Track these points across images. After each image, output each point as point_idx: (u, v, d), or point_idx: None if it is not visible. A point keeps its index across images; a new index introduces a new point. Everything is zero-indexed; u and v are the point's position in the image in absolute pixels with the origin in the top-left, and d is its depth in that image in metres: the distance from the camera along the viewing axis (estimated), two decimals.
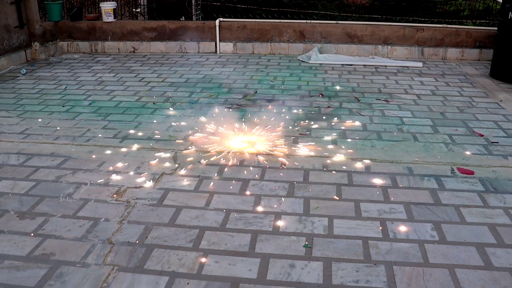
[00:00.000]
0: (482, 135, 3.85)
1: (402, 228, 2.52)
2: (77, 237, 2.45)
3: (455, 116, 4.35)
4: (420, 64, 6.45)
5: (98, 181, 3.06)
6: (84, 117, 4.36)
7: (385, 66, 6.41)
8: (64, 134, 3.91)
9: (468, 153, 3.50)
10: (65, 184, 3.03)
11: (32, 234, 2.48)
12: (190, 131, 3.94)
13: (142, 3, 8.41)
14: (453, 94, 5.08)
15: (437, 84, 5.52)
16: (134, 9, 8.41)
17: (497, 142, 3.70)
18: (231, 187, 2.97)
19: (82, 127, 4.07)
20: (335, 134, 3.88)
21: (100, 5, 7.53)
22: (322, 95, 5.03)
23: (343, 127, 4.03)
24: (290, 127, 4.00)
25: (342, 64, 6.50)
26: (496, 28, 6.12)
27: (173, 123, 4.15)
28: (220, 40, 7.30)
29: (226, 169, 3.23)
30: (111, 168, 3.26)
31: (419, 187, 2.97)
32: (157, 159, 3.40)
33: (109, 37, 7.50)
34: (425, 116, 4.35)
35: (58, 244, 2.39)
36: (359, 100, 4.82)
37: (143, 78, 5.85)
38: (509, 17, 5.53)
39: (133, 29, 7.45)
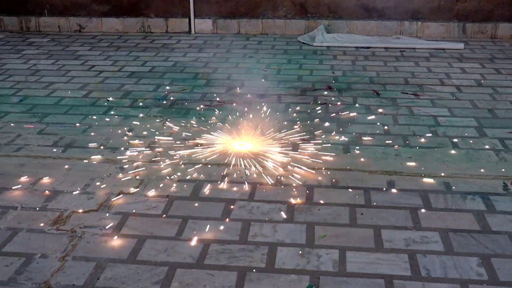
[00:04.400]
0: None
1: (438, 263, 2.54)
2: (2, 280, 2.44)
3: (509, 114, 4.40)
4: (461, 45, 6.51)
5: (32, 204, 3.06)
6: (12, 118, 4.35)
7: (414, 48, 6.47)
8: None
9: None
10: None
11: None
12: (156, 137, 3.95)
13: None
14: (505, 85, 5.14)
15: (484, 71, 5.58)
16: None
17: None
18: (210, 210, 2.99)
19: (10, 132, 4.07)
20: (347, 139, 3.91)
21: None
22: (331, 88, 5.06)
23: (358, 130, 4.06)
24: (288, 131, 4.03)
25: (357, 47, 6.55)
26: None
27: (133, 126, 4.16)
28: (195, 16, 7.33)
29: (203, 186, 3.24)
30: (50, 186, 3.26)
31: (460, 209, 3.00)
32: (112, 174, 3.41)
33: (46, 11, 7.50)
34: (467, 114, 4.39)
35: None
36: (379, 94, 4.87)
37: (93, 66, 5.85)
38: None
39: (78, 0, 7.45)
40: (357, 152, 3.70)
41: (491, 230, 2.80)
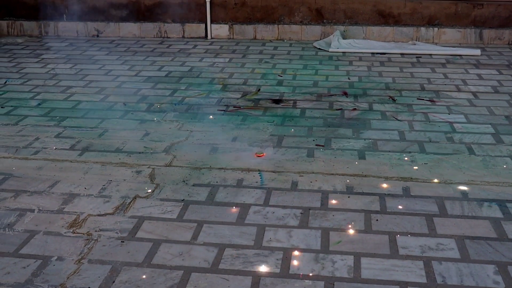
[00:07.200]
0: None
1: (454, 271, 2.53)
2: (19, 282, 2.46)
3: None
4: (477, 52, 6.47)
5: (49, 207, 3.08)
6: (30, 121, 4.39)
7: (430, 54, 6.44)
8: (3, 144, 3.94)
9: None
10: (4, 210, 3.04)
11: None
12: (172, 141, 3.96)
13: None
14: None
15: (501, 78, 5.54)
16: None
17: None
18: (225, 215, 2.99)
19: (28, 135, 4.10)
20: (363, 145, 3.90)
21: None
22: (346, 93, 5.06)
23: (373, 136, 4.05)
24: (304, 136, 4.02)
25: (373, 53, 6.53)
26: None
27: (150, 131, 4.18)
28: (211, 21, 7.35)
29: (219, 191, 3.24)
30: (66, 189, 3.28)
31: (476, 216, 2.98)
32: (128, 178, 3.42)
33: (65, 16, 7.56)
34: (484, 121, 4.36)
35: None
36: (395, 100, 4.85)
37: (110, 71, 5.89)
38: None
39: (96, 5, 7.51)
40: (373, 158, 3.69)
41: (508, 237, 2.77)
